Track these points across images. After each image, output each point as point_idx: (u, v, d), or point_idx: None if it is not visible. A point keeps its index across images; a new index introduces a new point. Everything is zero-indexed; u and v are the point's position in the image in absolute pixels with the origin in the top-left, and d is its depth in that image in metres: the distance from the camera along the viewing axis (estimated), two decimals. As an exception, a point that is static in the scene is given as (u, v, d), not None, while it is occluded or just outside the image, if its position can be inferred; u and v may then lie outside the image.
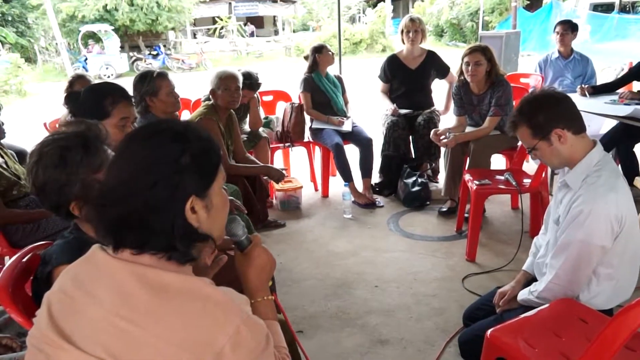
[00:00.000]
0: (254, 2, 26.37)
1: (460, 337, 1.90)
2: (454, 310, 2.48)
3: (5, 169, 2.49)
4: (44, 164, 1.36)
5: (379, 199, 4.00)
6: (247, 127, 4.04)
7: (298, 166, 4.61)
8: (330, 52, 4.14)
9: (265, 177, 3.45)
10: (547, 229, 1.93)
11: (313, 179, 4.39)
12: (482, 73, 3.39)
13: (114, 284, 0.86)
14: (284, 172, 3.35)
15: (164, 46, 19.49)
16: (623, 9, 17.76)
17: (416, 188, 3.85)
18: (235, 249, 1.18)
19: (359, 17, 26.93)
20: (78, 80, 3.41)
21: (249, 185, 3.17)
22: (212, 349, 0.82)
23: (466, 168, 3.48)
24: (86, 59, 16.54)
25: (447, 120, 4.02)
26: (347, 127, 4.04)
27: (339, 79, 4.34)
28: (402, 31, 4.14)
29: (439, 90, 4.32)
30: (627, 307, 1.23)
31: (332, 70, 4.30)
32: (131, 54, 17.96)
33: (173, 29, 21.47)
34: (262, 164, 3.43)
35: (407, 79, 4.15)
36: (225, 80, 3.13)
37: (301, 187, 4.02)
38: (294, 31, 27.30)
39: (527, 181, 3.04)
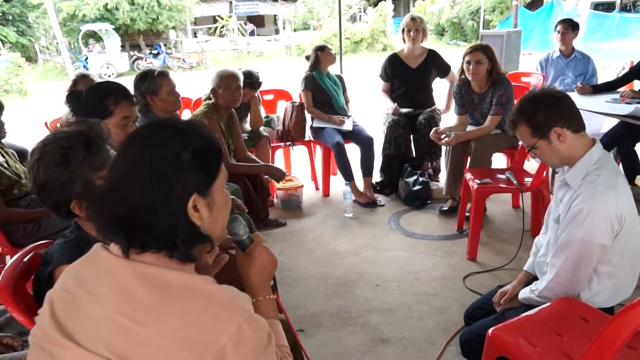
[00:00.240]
0: (254, 1, 26.37)
1: (461, 336, 1.90)
2: (455, 309, 2.48)
3: (6, 168, 2.49)
4: (46, 162, 1.36)
5: (380, 198, 3.99)
6: (248, 126, 4.04)
7: (299, 165, 4.61)
8: (332, 52, 4.15)
9: (266, 176, 3.45)
10: (548, 228, 1.93)
11: (314, 178, 4.39)
12: (483, 72, 3.39)
13: (116, 283, 0.86)
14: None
15: (165, 45, 19.51)
16: (624, 8, 17.77)
17: (417, 187, 3.84)
18: (237, 248, 1.18)
19: (360, 16, 26.90)
20: (82, 80, 3.40)
21: (250, 184, 3.17)
22: (214, 347, 0.82)
23: (467, 167, 3.48)
24: (87, 58, 16.55)
25: (448, 119, 4.02)
26: (348, 126, 4.04)
27: (340, 78, 4.34)
28: (402, 30, 4.14)
29: (440, 89, 4.32)
30: (629, 306, 1.23)
31: (333, 69, 4.30)
32: (132, 53, 17.96)
33: (174, 28, 21.46)
34: (263, 163, 3.43)
35: (408, 78, 4.14)
36: (226, 79, 3.13)
37: (302, 186, 4.02)
38: (294, 30, 27.29)
39: (528, 180, 3.04)
